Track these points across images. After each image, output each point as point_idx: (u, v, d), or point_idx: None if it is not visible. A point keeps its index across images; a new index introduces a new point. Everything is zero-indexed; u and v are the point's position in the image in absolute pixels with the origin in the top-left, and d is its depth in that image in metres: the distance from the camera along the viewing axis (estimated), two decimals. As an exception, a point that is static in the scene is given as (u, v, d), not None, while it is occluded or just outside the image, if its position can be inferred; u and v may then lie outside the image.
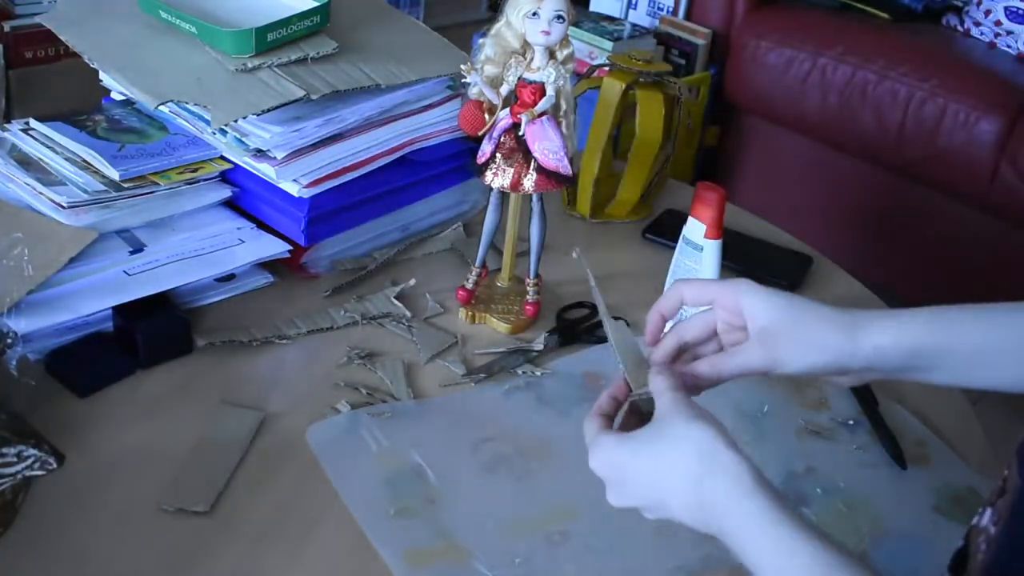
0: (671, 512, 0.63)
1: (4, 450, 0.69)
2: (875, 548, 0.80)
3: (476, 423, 0.88)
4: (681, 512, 0.63)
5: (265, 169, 1.00)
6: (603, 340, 0.99)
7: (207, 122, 1.00)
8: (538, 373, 0.95)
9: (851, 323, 0.67)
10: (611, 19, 2.43)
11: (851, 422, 0.93)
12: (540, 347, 0.99)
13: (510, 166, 0.95)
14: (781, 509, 0.59)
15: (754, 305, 0.69)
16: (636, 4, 2.51)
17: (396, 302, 1.02)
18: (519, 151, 0.95)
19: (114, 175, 0.95)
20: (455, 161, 1.14)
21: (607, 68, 1.26)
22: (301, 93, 0.98)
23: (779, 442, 0.90)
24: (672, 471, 0.62)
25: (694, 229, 0.99)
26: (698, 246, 0.99)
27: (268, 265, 1.03)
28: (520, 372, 0.95)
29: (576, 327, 1.02)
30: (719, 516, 0.61)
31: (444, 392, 0.92)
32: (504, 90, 0.94)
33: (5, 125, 1.03)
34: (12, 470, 0.70)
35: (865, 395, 0.95)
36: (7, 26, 1.77)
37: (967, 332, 0.68)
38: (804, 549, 0.57)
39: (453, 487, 0.81)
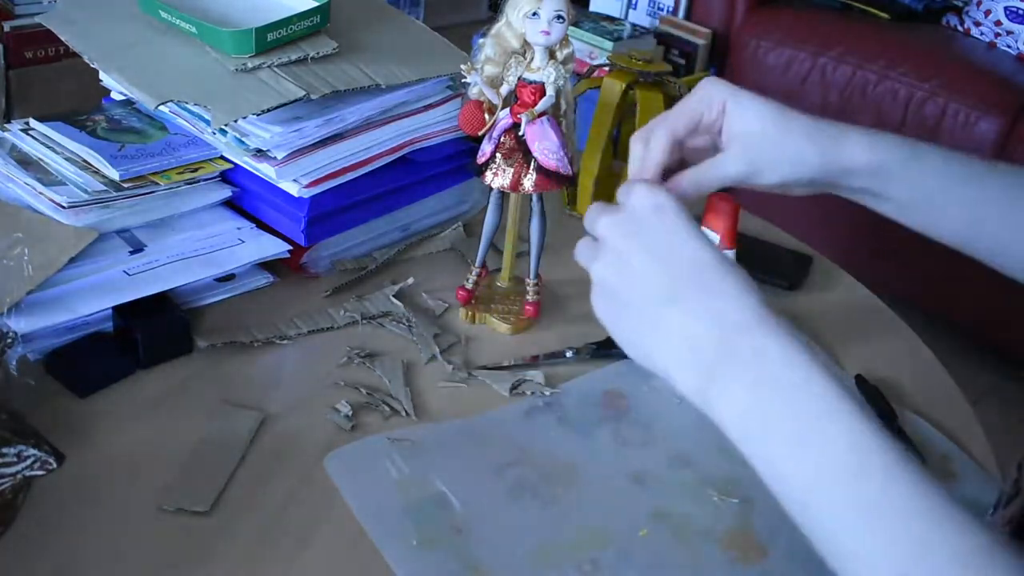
0: (663, 344, 0.56)
1: (4, 450, 0.69)
2: None
3: (498, 447, 0.86)
4: (674, 355, 0.55)
5: (265, 169, 1.00)
6: (623, 358, 0.98)
7: (207, 122, 1.00)
8: (547, 392, 0.93)
9: (829, 138, 0.66)
10: (611, 19, 2.43)
11: None
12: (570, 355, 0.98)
13: (510, 166, 0.95)
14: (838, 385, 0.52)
15: (743, 110, 0.66)
16: (636, 4, 2.51)
17: (396, 302, 1.02)
18: (519, 151, 0.95)
19: (114, 175, 0.95)
20: (455, 161, 1.15)
21: (607, 68, 1.26)
22: (301, 93, 0.98)
23: None
24: (706, 293, 0.55)
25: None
26: None
27: (268, 265, 1.03)
28: (530, 393, 0.93)
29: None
30: (762, 360, 0.52)
31: (444, 392, 0.92)
32: (504, 90, 0.94)
33: (5, 125, 1.03)
34: (12, 470, 0.70)
35: (881, 407, 0.95)
36: (7, 26, 1.77)
37: (929, 172, 0.68)
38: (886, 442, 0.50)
39: (478, 515, 0.78)
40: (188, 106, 1.02)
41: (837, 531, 0.51)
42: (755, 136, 0.65)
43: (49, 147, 0.99)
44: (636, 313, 0.58)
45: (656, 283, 0.56)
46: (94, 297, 0.90)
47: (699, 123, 0.68)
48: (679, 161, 0.69)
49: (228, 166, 1.04)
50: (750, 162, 0.65)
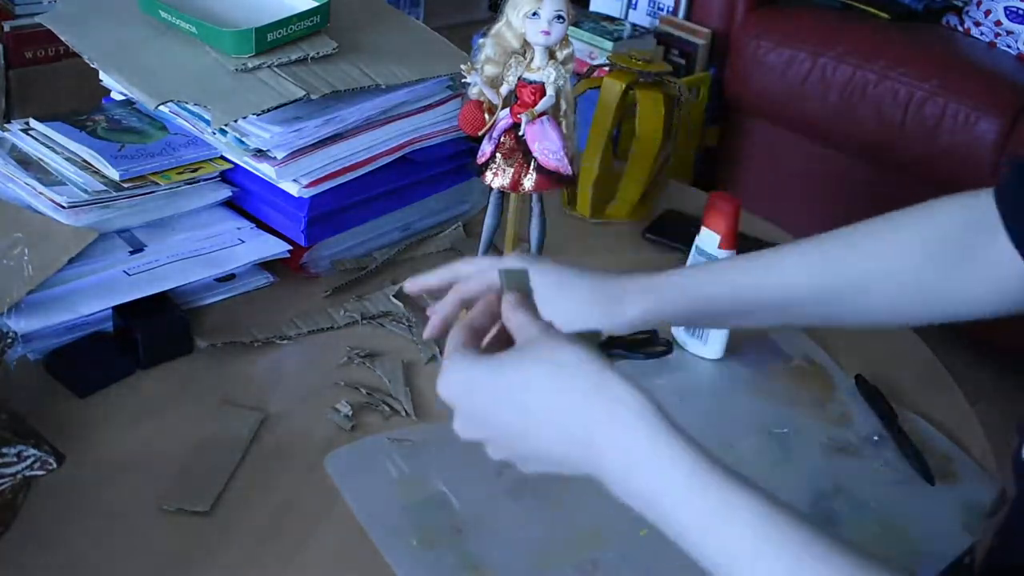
0: (538, 445, 0.56)
1: (4, 450, 0.69)
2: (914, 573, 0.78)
3: None
4: (554, 445, 0.56)
5: (265, 169, 1.00)
6: (622, 357, 0.98)
7: (207, 122, 1.00)
8: None
9: (610, 299, 0.71)
10: (611, 19, 2.43)
11: (876, 438, 0.92)
12: None
13: (510, 166, 0.95)
14: (694, 448, 0.53)
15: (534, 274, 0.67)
16: (636, 4, 2.51)
17: (396, 301, 1.02)
18: (519, 151, 0.95)
19: (114, 175, 0.95)
20: (455, 161, 1.14)
21: (607, 68, 1.26)
22: (301, 93, 0.98)
23: (805, 461, 0.89)
24: (548, 401, 0.55)
25: (708, 239, 0.98)
26: (712, 256, 0.98)
27: (268, 265, 1.03)
28: None
29: (630, 346, 1.00)
30: (610, 455, 0.54)
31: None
32: (504, 90, 0.93)
33: (5, 125, 1.03)
34: (12, 470, 0.70)
35: (883, 408, 0.95)
36: (7, 26, 1.77)
37: (715, 298, 0.74)
38: (726, 492, 0.52)
39: (478, 515, 0.78)
40: (188, 106, 1.02)
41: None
42: (541, 296, 0.65)
43: (49, 147, 0.99)
44: (523, 455, 0.59)
45: (514, 432, 0.58)
46: (94, 297, 0.90)
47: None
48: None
49: (228, 166, 1.04)
50: (544, 314, 0.64)
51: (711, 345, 0.99)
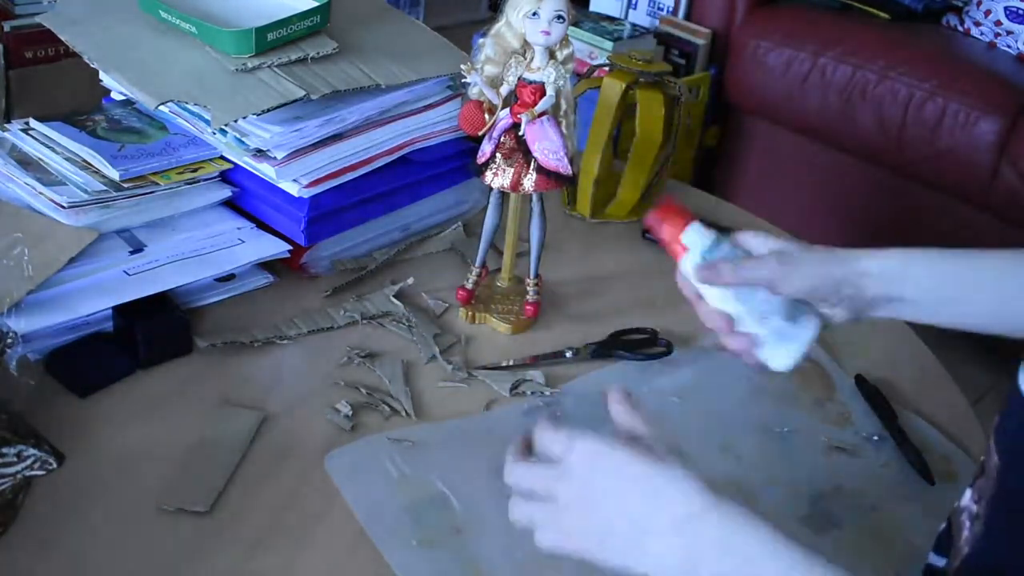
0: (644, 553, 0.58)
1: (4, 450, 0.69)
2: (912, 571, 0.78)
3: (498, 447, 0.85)
4: (661, 554, 0.58)
5: (265, 169, 1.00)
6: (623, 358, 0.98)
7: (207, 122, 1.00)
8: (547, 392, 0.93)
9: (846, 256, 0.73)
10: (611, 19, 2.43)
11: (876, 438, 0.92)
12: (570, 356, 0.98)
13: (510, 166, 0.95)
14: (779, 535, 0.57)
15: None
16: (636, 4, 2.51)
17: (396, 302, 1.02)
18: (519, 151, 0.95)
19: (114, 175, 0.95)
20: (455, 161, 1.14)
21: (607, 68, 1.26)
22: (301, 93, 0.98)
23: (805, 461, 0.89)
24: (656, 504, 0.59)
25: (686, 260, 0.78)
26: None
27: (268, 265, 1.03)
28: (530, 393, 0.93)
29: (630, 346, 1.00)
30: (718, 551, 0.57)
31: (444, 392, 0.92)
32: (504, 90, 0.94)
33: (5, 125, 1.03)
34: (12, 470, 0.70)
35: (883, 408, 0.95)
36: (7, 26, 1.77)
37: (943, 270, 0.72)
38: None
39: (478, 515, 0.78)
40: (188, 106, 1.02)
41: None
42: (784, 252, 0.74)
43: (49, 147, 0.99)
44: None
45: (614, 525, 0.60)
46: (94, 297, 0.90)
47: None
48: None
49: (228, 166, 1.04)
50: (781, 267, 0.72)
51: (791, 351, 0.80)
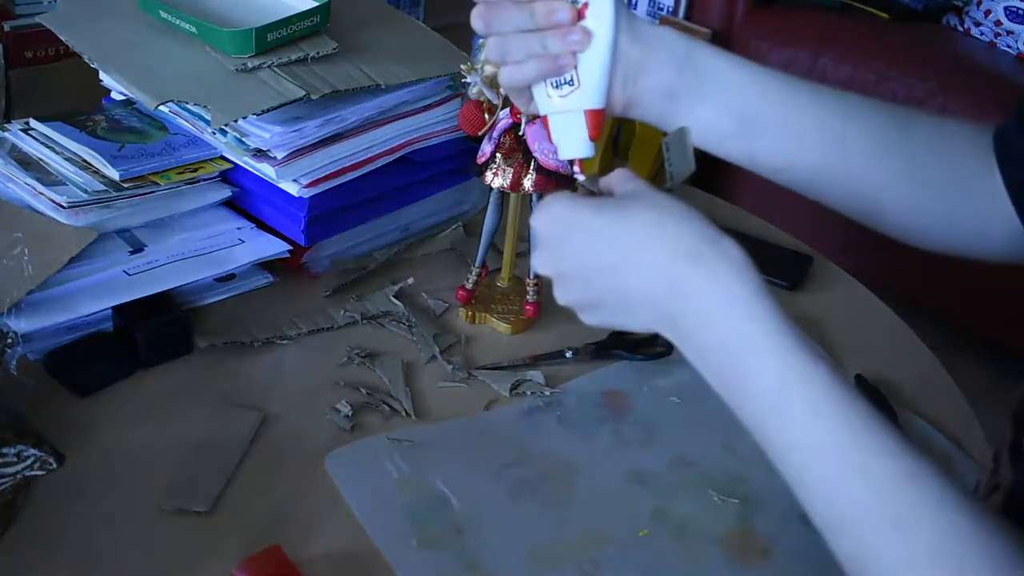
0: (623, 282, 0.55)
1: (4, 450, 0.69)
2: None
3: (498, 447, 0.86)
4: (641, 283, 0.54)
5: (265, 169, 1.00)
6: (622, 357, 0.98)
7: (207, 122, 1.00)
8: (547, 392, 0.93)
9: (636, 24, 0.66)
10: (611, 19, 2.43)
11: None
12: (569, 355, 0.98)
13: (510, 166, 0.95)
14: (790, 324, 0.51)
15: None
16: (636, 4, 2.51)
17: (396, 301, 1.02)
18: (519, 151, 0.95)
19: (114, 175, 0.95)
20: (455, 161, 1.14)
21: (607, 68, 1.26)
22: (301, 93, 0.98)
23: None
24: (652, 234, 0.54)
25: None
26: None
27: (268, 265, 1.03)
28: (530, 393, 0.93)
29: (630, 346, 1.00)
30: (701, 299, 0.52)
31: (444, 392, 0.92)
32: (504, 90, 0.93)
33: (5, 125, 1.03)
34: (12, 470, 0.70)
35: (882, 408, 0.94)
36: (7, 26, 1.77)
37: (749, 81, 0.67)
38: (816, 373, 0.50)
39: (478, 515, 0.78)
40: (188, 106, 1.02)
41: (785, 468, 0.53)
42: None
43: (49, 147, 0.99)
44: (599, 295, 0.58)
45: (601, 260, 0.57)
46: (94, 297, 0.90)
47: None
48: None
49: (228, 166, 1.03)
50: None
51: None
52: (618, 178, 0.61)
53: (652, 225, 0.55)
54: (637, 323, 0.56)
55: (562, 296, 0.59)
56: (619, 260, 0.55)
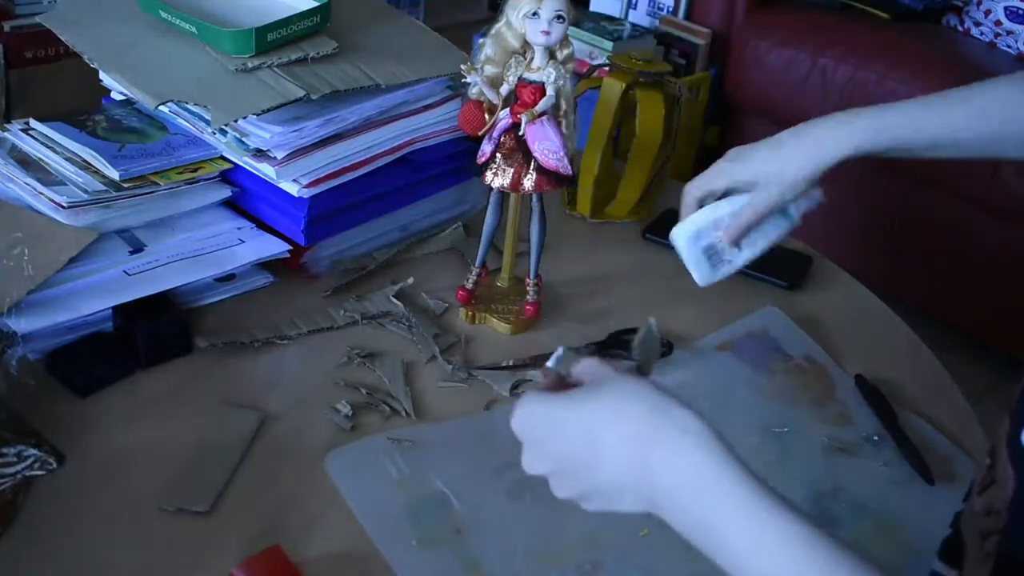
0: (600, 475, 0.58)
1: (4, 450, 0.69)
2: (911, 571, 0.78)
3: (497, 447, 0.85)
4: (614, 474, 0.57)
5: (265, 169, 1.00)
6: (623, 357, 0.97)
7: (207, 122, 1.00)
8: None
9: (809, 140, 0.91)
10: (611, 19, 2.43)
11: (875, 437, 0.92)
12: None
13: (510, 166, 0.95)
14: (748, 473, 0.55)
15: None
16: (636, 4, 2.51)
17: (396, 301, 1.02)
18: (519, 151, 0.95)
19: (114, 175, 0.95)
20: (455, 161, 1.14)
21: (607, 68, 1.26)
22: (301, 93, 0.98)
23: (805, 461, 0.89)
24: (611, 422, 0.57)
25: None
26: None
27: (268, 265, 1.03)
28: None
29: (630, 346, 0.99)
30: (667, 475, 0.55)
31: (444, 392, 0.92)
32: (504, 90, 0.94)
33: (5, 125, 1.03)
34: (12, 470, 0.70)
35: (883, 408, 0.95)
36: (7, 26, 1.77)
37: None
38: (778, 518, 0.53)
39: (478, 515, 0.78)
40: (188, 106, 1.02)
41: None
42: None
43: (49, 147, 0.99)
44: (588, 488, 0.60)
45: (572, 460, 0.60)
46: (94, 297, 0.90)
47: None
48: None
49: (228, 166, 1.04)
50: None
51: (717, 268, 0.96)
52: (584, 368, 0.63)
53: (609, 413, 0.58)
54: (624, 507, 0.59)
55: (558, 493, 0.62)
56: (590, 454, 0.58)
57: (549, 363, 0.66)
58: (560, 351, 0.65)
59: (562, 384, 0.64)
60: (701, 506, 0.55)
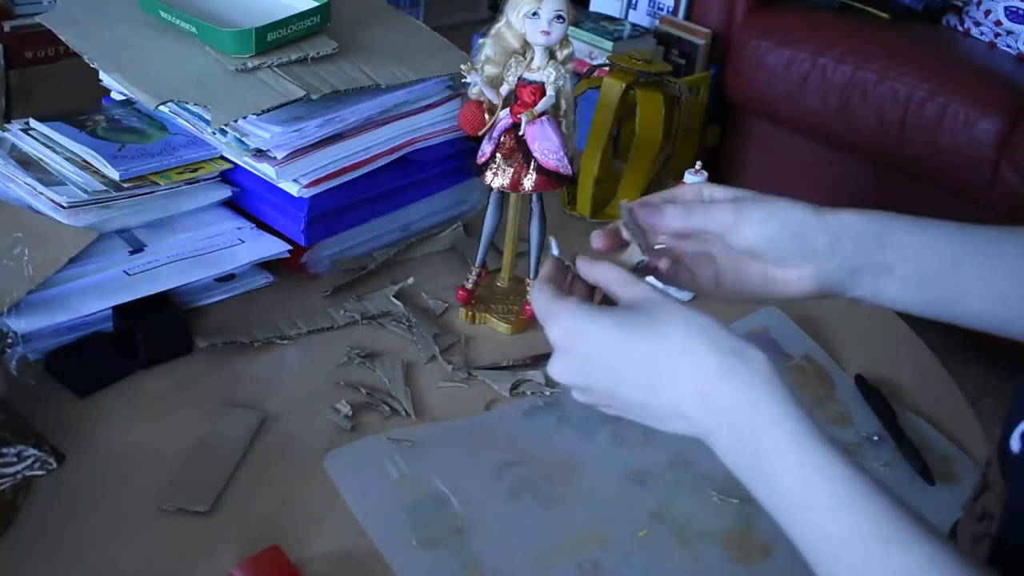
0: (654, 403, 0.57)
1: (4, 450, 0.69)
2: None
3: (498, 447, 0.86)
4: (672, 400, 0.56)
5: (265, 169, 1.00)
6: None
7: (207, 122, 1.00)
8: (547, 392, 0.92)
9: (819, 207, 0.66)
10: (611, 19, 2.43)
11: (875, 438, 0.92)
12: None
13: (510, 166, 0.95)
14: (807, 418, 0.54)
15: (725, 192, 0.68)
16: (636, 4, 2.51)
17: (396, 302, 1.02)
18: (519, 151, 0.95)
19: (114, 175, 0.95)
20: (455, 161, 1.14)
21: (607, 68, 1.26)
22: (301, 93, 0.98)
23: None
24: (677, 368, 0.56)
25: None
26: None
27: (268, 265, 1.03)
28: (530, 393, 0.93)
29: None
30: (730, 410, 0.55)
31: (444, 392, 0.92)
32: (504, 90, 0.94)
33: (5, 125, 1.03)
34: (12, 470, 0.70)
35: (883, 408, 0.95)
36: (7, 26, 1.77)
37: (939, 240, 0.68)
38: (840, 469, 0.53)
39: (478, 515, 0.78)
40: (188, 106, 1.02)
41: (814, 560, 0.54)
42: (742, 198, 0.66)
43: (49, 147, 0.99)
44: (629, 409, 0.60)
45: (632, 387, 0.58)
46: (94, 297, 0.90)
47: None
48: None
49: (228, 166, 1.04)
50: (736, 212, 0.64)
51: None
52: (615, 279, 0.61)
53: (680, 342, 0.57)
54: (670, 428, 0.58)
55: (581, 398, 0.60)
56: (648, 378, 0.57)
57: (553, 251, 0.66)
58: (554, 241, 0.66)
59: (564, 272, 0.63)
60: (760, 444, 0.55)
